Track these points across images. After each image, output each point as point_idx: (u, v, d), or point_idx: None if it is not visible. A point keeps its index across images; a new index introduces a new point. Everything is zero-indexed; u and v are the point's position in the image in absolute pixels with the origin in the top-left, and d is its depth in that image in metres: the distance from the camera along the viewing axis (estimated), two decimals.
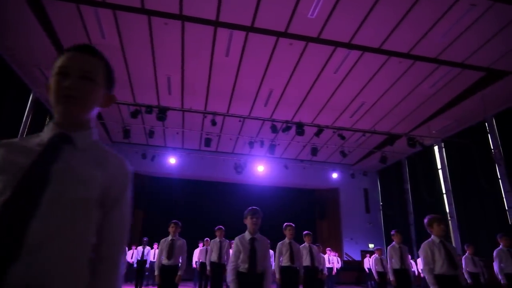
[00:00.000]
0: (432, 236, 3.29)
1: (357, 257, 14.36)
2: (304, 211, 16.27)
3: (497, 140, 9.93)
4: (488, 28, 7.03)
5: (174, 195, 14.73)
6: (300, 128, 8.84)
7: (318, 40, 7.64)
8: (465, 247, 6.34)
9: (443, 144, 12.02)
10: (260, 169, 12.99)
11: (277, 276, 4.24)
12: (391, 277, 5.33)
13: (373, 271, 7.13)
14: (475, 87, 9.26)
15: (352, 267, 13.52)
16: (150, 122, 11.63)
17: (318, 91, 9.93)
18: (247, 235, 2.90)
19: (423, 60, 8.31)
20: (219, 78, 9.37)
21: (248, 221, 2.90)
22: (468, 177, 10.68)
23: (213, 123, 8.85)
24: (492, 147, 10.06)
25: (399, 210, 13.99)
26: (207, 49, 8.21)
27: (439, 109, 10.54)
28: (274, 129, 8.86)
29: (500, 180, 9.70)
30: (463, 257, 6.36)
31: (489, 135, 10.25)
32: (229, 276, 2.70)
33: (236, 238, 2.90)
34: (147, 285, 10.57)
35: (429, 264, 3.13)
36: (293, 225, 4.40)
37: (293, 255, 4.19)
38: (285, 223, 4.39)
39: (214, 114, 8.81)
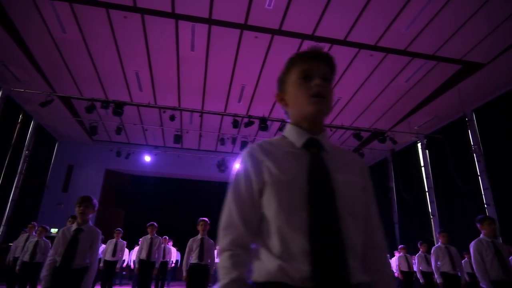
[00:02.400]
0: None
1: None
2: None
3: (477, 135, 9.62)
4: (454, 18, 6.76)
5: (155, 194, 14.61)
6: (263, 123, 8.61)
7: (281, 32, 7.43)
8: (418, 245, 6.02)
9: (425, 140, 11.70)
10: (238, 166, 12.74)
11: (184, 274, 3.92)
12: None
13: None
14: (452, 80, 8.97)
15: None
16: (127, 119, 11.53)
17: None
18: (74, 225, 2.68)
19: (394, 52, 8.05)
20: (188, 73, 9.20)
21: (76, 210, 2.69)
22: (449, 174, 10.36)
23: (172, 118, 8.66)
24: (472, 143, 9.75)
25: (384, 208, 13.68)
26: (172, 43, 8.04)
27: (418, 105, 10.25)
28: (235, 125, 8.64)
29: (479, 177, 9.38)
30: (416, 255, 6.05)
31: (469, 130, 9.93)
32: (43, 272, 2.48)
33: (60, 230, 2.68)
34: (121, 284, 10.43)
35: None
36: (207, 219, 4.09)
37: (203, 252, 3.86)
38: (199, 218, 4.12)
39: (170, 109, 8.61)
